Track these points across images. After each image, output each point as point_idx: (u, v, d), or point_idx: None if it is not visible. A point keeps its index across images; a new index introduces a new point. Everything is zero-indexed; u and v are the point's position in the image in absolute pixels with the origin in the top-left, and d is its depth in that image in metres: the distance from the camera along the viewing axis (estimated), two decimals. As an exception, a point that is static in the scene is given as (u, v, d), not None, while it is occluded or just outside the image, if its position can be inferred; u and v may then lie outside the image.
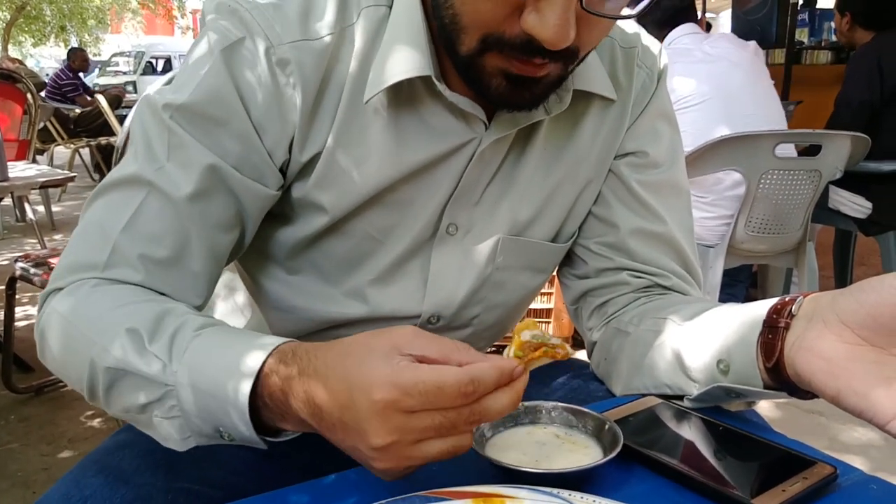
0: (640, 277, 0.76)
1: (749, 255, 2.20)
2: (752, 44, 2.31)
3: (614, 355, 0.74)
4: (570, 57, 0.59)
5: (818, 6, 7.18)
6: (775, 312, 0.54)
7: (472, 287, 0.75)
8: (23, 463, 1.93)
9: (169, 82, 0.75)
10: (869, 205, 2.51)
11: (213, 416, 0.52)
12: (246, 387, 0.50)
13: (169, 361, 0.54)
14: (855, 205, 2.54)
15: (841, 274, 3.11)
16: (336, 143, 0.66)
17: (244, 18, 0.63)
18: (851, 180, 2.40)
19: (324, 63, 0.64)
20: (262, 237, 0.73)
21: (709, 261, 2.16)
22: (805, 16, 6.82)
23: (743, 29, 7.16)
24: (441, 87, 0.64)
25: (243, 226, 0.68)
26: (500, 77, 0.59)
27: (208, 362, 0.53)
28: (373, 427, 0.45)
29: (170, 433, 0.55)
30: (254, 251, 0.75)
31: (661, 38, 2.29)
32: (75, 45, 16.21)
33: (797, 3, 5.03)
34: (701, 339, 0.62)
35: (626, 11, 0.58)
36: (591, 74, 0.70)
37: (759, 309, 0.56)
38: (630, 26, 0.78)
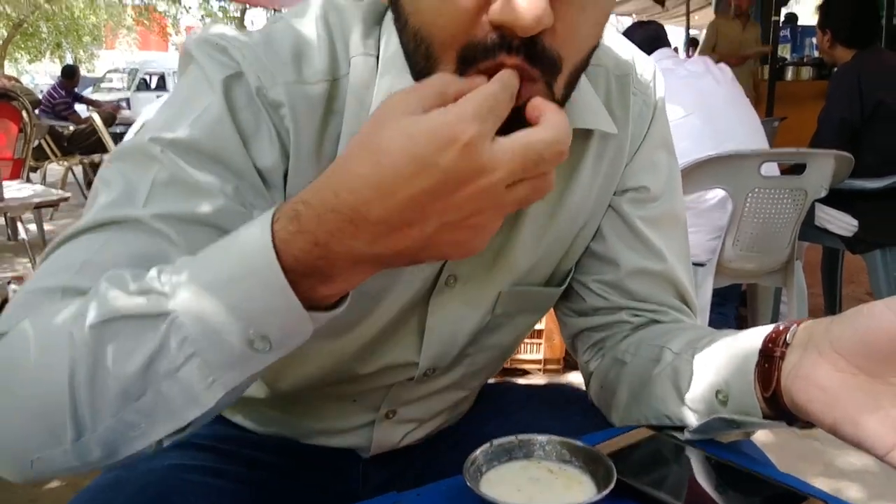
0: (639, 315, 0.74)
1: (738, 274, 2.22)
2: (728, 67, 2.37)
3: (612, 385, 0.73)
4: (550, 65, 0.50)
5: (800, 23, 7.29)
6: (770, 341, 0.54)
7: (469, 337, 0.73)
8: (9, 494, 1.88)
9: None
10: (855, 222, 2.53)
11: (235, 316, 0.44)
12: (266, 249, 0.43)
13: (161, 292, 0.45)
14: (841, 223, 2.56)
15: (830, 293, 3.12)
16: None
17: (234, 56, 0.59)
18: (837, 198, 2.42)
19: (318, 113, 0.60)
20: None
21: (698, 279, 2.18)
22: (787, 32, 6.92)
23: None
24: None
25: None
26: None
27: (207, 265, 0.46)
28: (459, 172, 0.41)
29: (189, 384, 0.45)
30: None
31: None
32: (70, 61, 16.28)
33: (779, 20, 5.10)
34: (698, 370, 0.61)
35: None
36: (589, 109, 0.66)
37: (755, 338, 0.56)
38: (624, 51, 0.75)
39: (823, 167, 2.06)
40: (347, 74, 0.62)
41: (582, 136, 0.68)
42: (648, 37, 2.47)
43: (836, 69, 2.67)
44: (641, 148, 0.74)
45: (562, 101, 0.54)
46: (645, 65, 0.75)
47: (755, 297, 2.57)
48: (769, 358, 0.53)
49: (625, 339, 0.74)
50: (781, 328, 0.54)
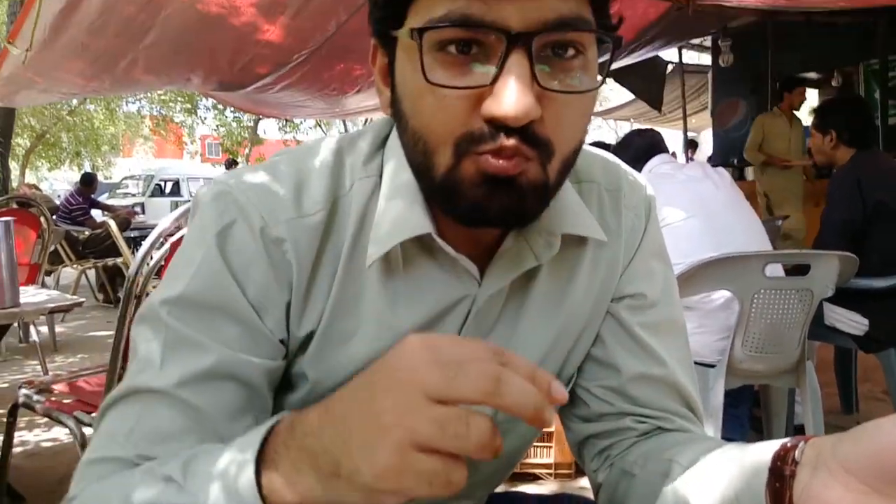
0: (643, 422, 0.74)
1: (749, 375, 2.20)
2: (726, 172, 2.44)
3: (621, 499, 0.72)
4: (543, 147, 0.55)
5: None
6: (778, 459, 0.52)
7: None
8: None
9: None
10: (865, 321, 2.52)
11: None
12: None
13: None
14: (851, 322, 2.55)
15: (845, 392, 3.07)
16: (331, 317, 0.65)
17: (238, 200, 0.63)
18: (846, 297, 2.42)
19: (317, 238, 0.64)
20: None
21: (709, 382, 2.16)
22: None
23: (724, 147, 7.47)
24: (441, 243, 0.63)
25: (255, 408, 0.64)
26: (479, 184, 0.56)
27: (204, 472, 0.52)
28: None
29: None
30: None
31: (639, 169, 2.45)
32: (89, 168, 16.79)
33: (775, 122, 5.28)
34: (708, 486, 0.60)
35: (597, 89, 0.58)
36: (578, 218, 0.69)
37: (762, 454, 0.55)
38: (615, 168, 0.78)
39: (828, 267, 2.08)
40: (348, 194, 0.66)
41: (576, 242, 0.71)
42: (646, 144, 2.54)
43: (834, 172, 2.72)
44: (636, 257, 0.77)
45: (553, 188, 0.59)
46: (636, 181, 0.79)
47: (768, 397, 2.53)
48: (780, 477, 0.52)
49: (631, 447, 0.74)
50: (789, 445, 0.53)
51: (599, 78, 0.59)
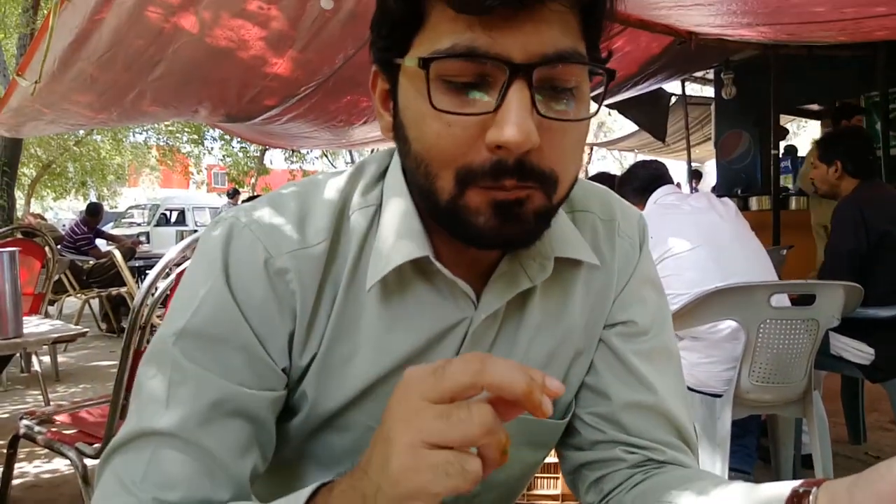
0: (634, 453, 0.74)
1: (756, 405, 2.18)
2: (731, 202, 2.45)
3: None
4: (547, 180, 0.59)
5: (800, 154, 7.54)
6: None
7: None
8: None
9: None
10: (871, 351, 2.51)
11: None
12: None
13: None
14: (857, 351, 2.54)
15: (853, 422, 3.04)
16: (331, 341, 0.67)
17: (242, 234, 0.66)
18: (852, 326, 2.42)
19: (320, 268, 0.66)
20: None
21: (716, 412, 2.14)
22: (787, 162, 7.14)
23: (728, 177, 7.50)
24: (439, 266, 0.65)
25: (261, 441, 0.66)
26: (486, 212, 0.59)
27: None
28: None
29: None
30: None
31: (641, 203, 2.45)
32: (94, 198, 16.89)
33: (779, 153, 5.29)
34: None
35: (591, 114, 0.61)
36: (572, 243, 0.72)
37: (771, 499, 0.54)
38: (610, 200, 0.81)
39: (833, 297, 2.08)
40: (349, 223, 0.68)
41: (570, 266, 0.74)
42: (651, 175, 2.56)
43: (839, 202, 2.73)
44: (629, 284, 0.79)
45: (555, 208, 0.62)
46: (629, 212, 0.82)
47: (776, 427, 2.51)
48: None
49: (625, 482, 0.73)
50: (801, 490, 0.52)
51: (594, 107, 0.62)
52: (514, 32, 0.55)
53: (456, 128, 0.57)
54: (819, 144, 2.95)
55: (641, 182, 2.54)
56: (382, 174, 0.72)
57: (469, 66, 0.56)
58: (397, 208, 0.67)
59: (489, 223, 0.59)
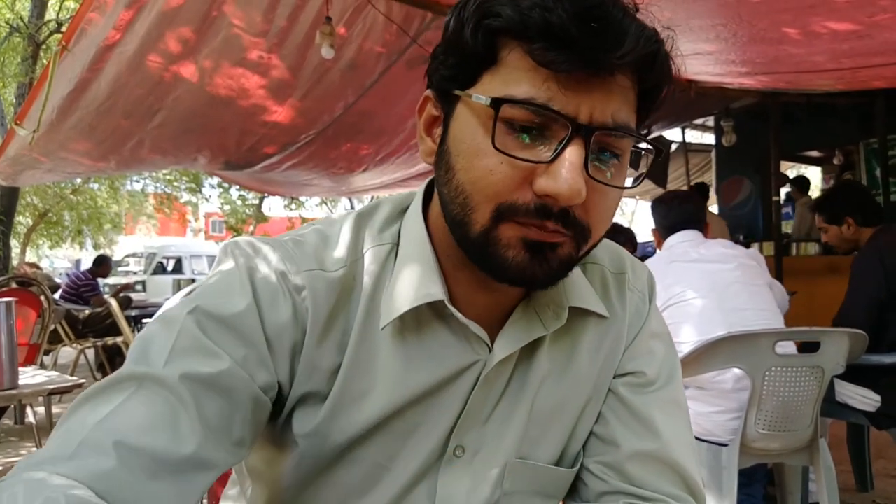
0: None
1: (762, 453, 2.15)
2: (750, 250, 2.43)
3: None
4: (582, 233, 0.62)
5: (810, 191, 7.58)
6: None
7: None
8: None
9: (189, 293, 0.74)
10: (877, 397, 2.49)
11: None
12: None
13: None
14: (863, 398, 2.52)
15: (859, 470, 3.00)
16: (347, 377, 0.68)
17: (262, 250, 0.69)
18: (858, 373, 2.40)
19: (335, 294, 0.68)
20: (269, 469, 0.73)
21: (722, 461, 2.11)
22: (789, 209, 7.20)
23: (730, 224, 7.54)
24: (453, 310, 0.67)
25: (230, 436, 0.62)
26: (517, 247, 0.61)
27: None
28: None
29: None
30: (260, 481, 0.75)
31: (662, 239, 2.45)
32: (90, 246, 16.85)
33: (779, 199, 5.33)
34: None
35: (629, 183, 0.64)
36: (584, 293, 0.75)
37: None
38: (618, 254, 0.83)
39: (838, 344, 2.07)
40: (363, 260, 0.70)
41: (580, 316, 0.75)
42: (682, 218, 2.45)
43: (857, 251, 2.71)
44: (639, 337, 0.80)
45: (578, 259, 0.65)
46: (640, 268, 0.85)
47: (783, 476, 2.47)
48: None
49: None
50: None
51: (630, 181, 0.66)
52: (584, 95, 0.58)
53: (506, 166, 0.59)
54: (820, 209, 2.90)
55: (672, 221, 2.46)
56: (401, 213, 0.74)
57: (537, 117, 0.59)
58: (415, 249, 0.69)
59: (517, 258, 0.61)
